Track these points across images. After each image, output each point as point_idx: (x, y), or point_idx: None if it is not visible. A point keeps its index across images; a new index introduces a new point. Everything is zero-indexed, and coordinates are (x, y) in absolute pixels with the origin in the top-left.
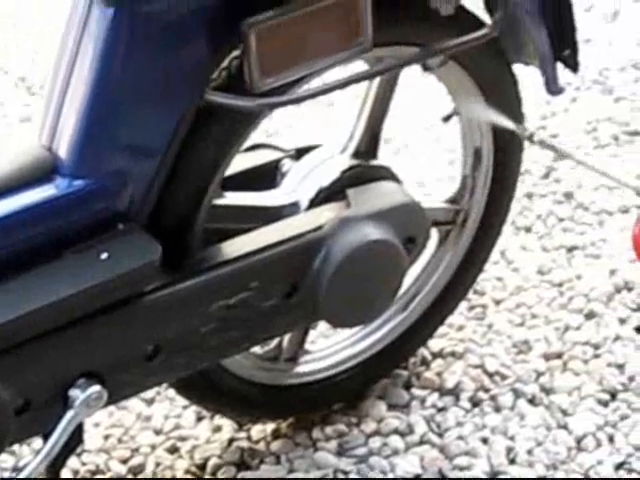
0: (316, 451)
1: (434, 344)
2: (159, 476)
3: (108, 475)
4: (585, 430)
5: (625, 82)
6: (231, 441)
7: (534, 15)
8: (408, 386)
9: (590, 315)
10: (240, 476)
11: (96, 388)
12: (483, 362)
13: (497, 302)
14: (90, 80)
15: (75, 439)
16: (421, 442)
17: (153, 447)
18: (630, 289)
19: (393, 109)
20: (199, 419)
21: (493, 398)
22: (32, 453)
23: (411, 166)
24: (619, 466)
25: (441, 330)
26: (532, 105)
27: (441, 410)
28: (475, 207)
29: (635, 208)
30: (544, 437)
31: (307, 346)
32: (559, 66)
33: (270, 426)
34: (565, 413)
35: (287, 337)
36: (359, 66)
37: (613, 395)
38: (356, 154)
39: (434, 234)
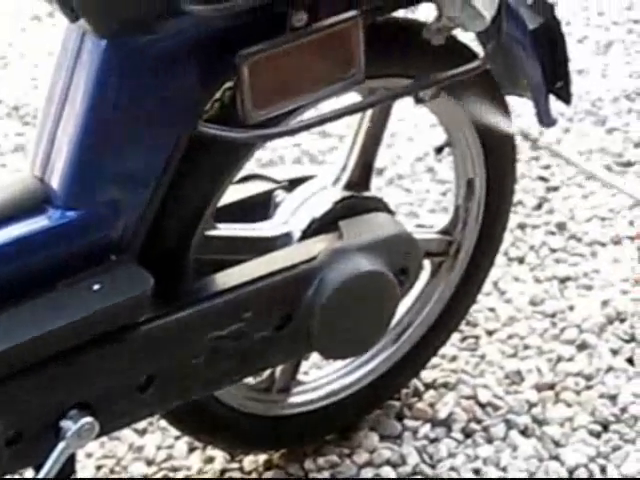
0: None
1: (426, 375)
2: None
3: None
4: (577, 461)
5: (618, 113)
6: (223, 472)
7: (526, 47)
8: (400, 417)
9: (582, 346)
10: None
11: (88, 419)
12: (475, 393)
13: (490, 333)
14: (83, 111)
15: (67, 470)
16: (413, 473)
17: (145, 478)
18: (622, 320)
19: (386, 139)
20: (191, 450)
21: (485, 429)
22: None
23: (404, 197)
24: None
25: (434, 361)
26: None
27: (433, 441)
28: (468, 238)
29: (627, 239)
30: (536, 468)
31: (300, 377)
32: (552, 98)
33: (262, 457)
34: (557, 444)
35: (280, 368)
36: (352, 97)
37: (605, 426)
38: (349, 185)
39: (426, 265)
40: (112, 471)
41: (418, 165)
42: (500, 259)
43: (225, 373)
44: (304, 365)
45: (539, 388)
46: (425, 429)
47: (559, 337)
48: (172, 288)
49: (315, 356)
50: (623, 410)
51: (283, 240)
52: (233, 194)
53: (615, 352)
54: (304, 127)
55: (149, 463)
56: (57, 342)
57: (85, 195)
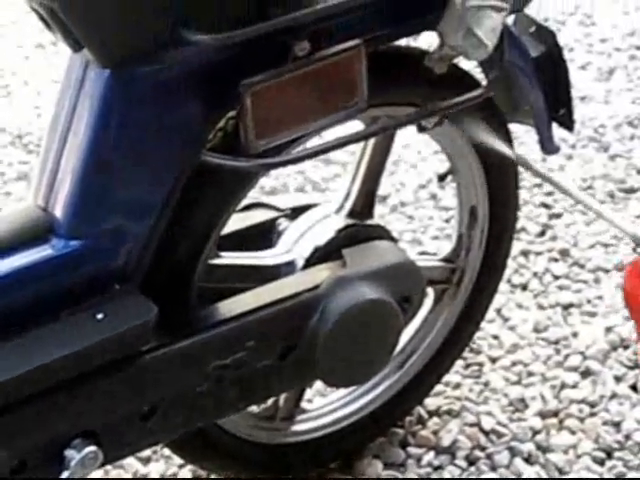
0: None
1: (430, 402)
2: None
3: None
4: None
5: (621, 139)
6: None
7: (529, 75)
8: (404, 445)
9: (586, 373)
10: None
11: (92, 448)
12: (479, 420)
13: (493, 360)
14: (86, 140)
15: None
16: None
17: None
18: (626, 347)
19: (389, 167)
20: (195, 478)
21: (489, 456)
22: None
23: (407, 224)
24: None
25: (437, 388)
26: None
27: (437, 469)
28: (471, 265)
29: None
30: None
31: (303, 405)
32: (554, 125)
33: None
34: (561, 471)
35: (283, 396)
36: (355, 126)
37: (609, 453)
38: (352, 213)
39: (430, 293)
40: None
41: (421, 192)
42: (503, 286)
43: (228, 402)
44: (308, 393)
45: (543, 415)
46: (429, 457)
47: (563, 364)
48: (175, 317)
49: (319, 384)
50: (627, 437)
51: (286, 268)
52: (236, 222)
53: (619, 379)
54: (307, 155)
55: None
56: (61, 371)
57: (88, 225)
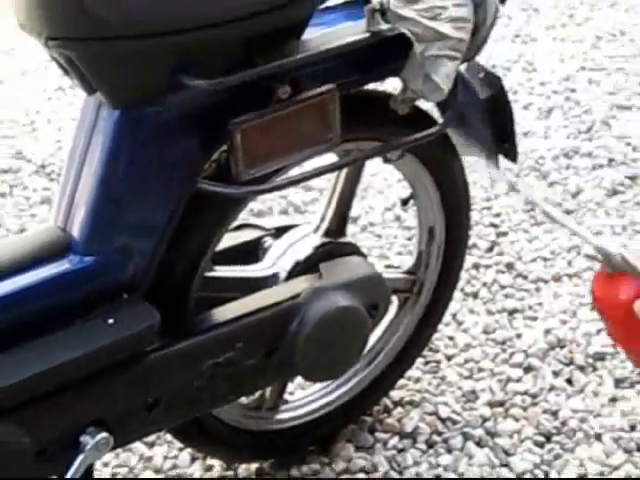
0: None
1: (395, 394)
2: None
3: None
4: (524, 468)
5: (558, 169)
6: (221, 479)
7: (478, 114)
8: (372, 430)
9: (528, 369)
10: None
11: (104, 435)
12: (437, 409)
13: (449, 358)
14: (99, 171)
15: (86, 478)
16: (384, 479)
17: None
18: (562, 346)
19: (359, 193)
20: (193, 460)
21: (445, 441)
22: None
23: (375, 242)
24: None
25: (401, 382)
26: (478, 189)
27: (401, 451)
28: (429, 277)
29: (566, 277)
30: (489, 474)
31: (286, 396)
32: (500, 157)
33: (254, 466)
34: (507, 453)
35: (268, 389)
36: (330, 158)
37: (548, 438)
38: (327, 232)
39: (394, 300)
40: (125, 478)
41: (387, 214)
42: (457, 294)
43: (221, 395)
44: (290, 387)
45: (491, 405)
46: (394, 441)
47: (508, 361)
48: (175, 322)
49: (299, 379)
50: (563, 424)
51: (271, 280)
52: (228, 240)
53: (556, 374)
54: (289, 183)
55: (157, 471)
56: (77, 369)
57: (101, 243)
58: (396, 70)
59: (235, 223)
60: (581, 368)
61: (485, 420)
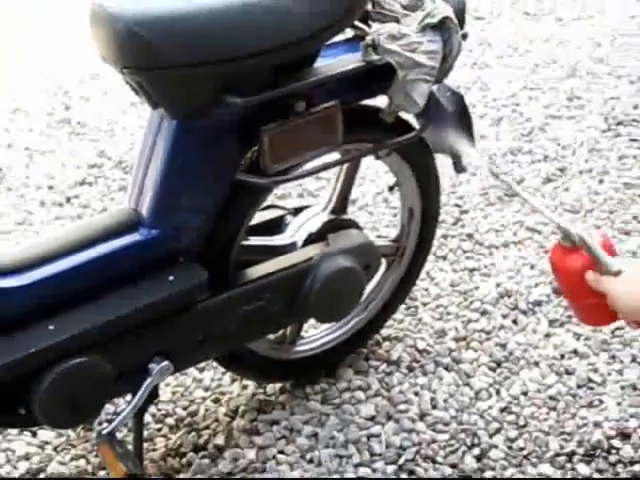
0: (308, 401)
1: (384, 332)
2: (207, 418)
3: (173, 419)
4: (481, 386)
5: (506, 163)
6: (254, 395)
7: (447, 121)
8: (367, 359)
9: (484, 312)
10: (259, 418)
11: (166, 363)
12: (415, 343)
13: (424, 304)
14: (161, 166)
15: (153, 395)
16: (375, 395)
17: (204, 399)
18: (509, 296)
19: (357, 181)
20: (233, 381)
21: (422, 367)
22: (125, 404)
23: (368, 218)
24: (503, 409)
25: (388, 322)
26: (447, 178)
27: (388, 374)
28: (410, 244)
29: (512, 244)
30: (454, 391)
31: (302, 334)
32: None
33: (278, 385)
34: (468, 376)
35: (289, 328)
36: (335, 155)
37: (499, 364)
38: (333, 211)
39: (383, 262)
40: (182, 395)
41: (378, 197)
42: (430, 257)
43: (253, 332)
44: (305, 326)
45: (456, 340)
46: (383, 367)
47: (469, 307)
48: (219, 279)
49: (312, 321)
50: (510, 353)
51: (290, 247)
52: (259, 217)
53: (505, 316)
54: (306, 174)
55: (206, 389)
56: (146, 313)
57: (164, 220)
58: (384, 89)
59: (264, 204)
60: (523, 312)
61: (452, 351)
